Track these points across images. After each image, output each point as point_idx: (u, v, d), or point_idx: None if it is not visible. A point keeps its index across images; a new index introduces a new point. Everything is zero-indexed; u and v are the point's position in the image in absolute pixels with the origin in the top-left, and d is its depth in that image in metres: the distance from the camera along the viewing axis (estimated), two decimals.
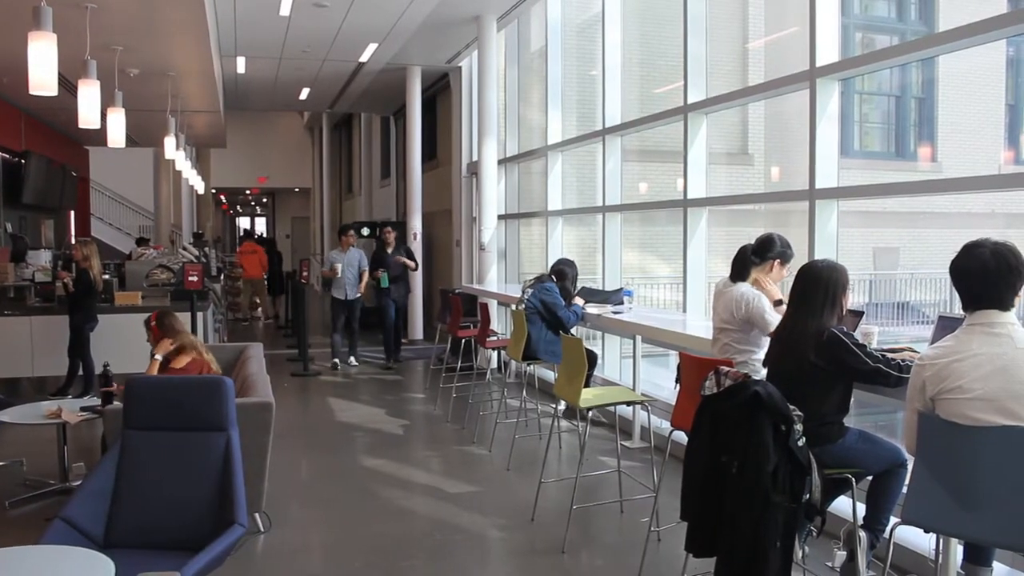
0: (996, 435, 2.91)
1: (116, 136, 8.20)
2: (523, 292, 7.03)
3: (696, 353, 4.78)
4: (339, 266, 10.70)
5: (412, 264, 11.34)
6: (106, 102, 7.63)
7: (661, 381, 7.84)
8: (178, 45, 9.05)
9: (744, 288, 4.55)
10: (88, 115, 6.94)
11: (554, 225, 10.23)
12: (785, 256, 4.61)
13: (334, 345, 11.11)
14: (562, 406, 7.21)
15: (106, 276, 9.42)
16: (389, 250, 11.05)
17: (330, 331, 11.32)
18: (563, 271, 7.01)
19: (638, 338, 6.83)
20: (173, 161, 13.10)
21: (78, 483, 4.93)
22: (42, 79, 5.51)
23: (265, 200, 38.40)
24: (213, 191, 28.92)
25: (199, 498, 3.70)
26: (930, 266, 15.52)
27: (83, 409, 5.64)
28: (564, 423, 7.37)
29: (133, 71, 9.59)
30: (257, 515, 4.94)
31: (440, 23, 10.77)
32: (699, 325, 6.28)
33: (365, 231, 15.00)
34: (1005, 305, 3.02)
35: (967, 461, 2.96)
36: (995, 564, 3.67)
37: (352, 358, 11.23)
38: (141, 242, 17.00)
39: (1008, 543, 3.01)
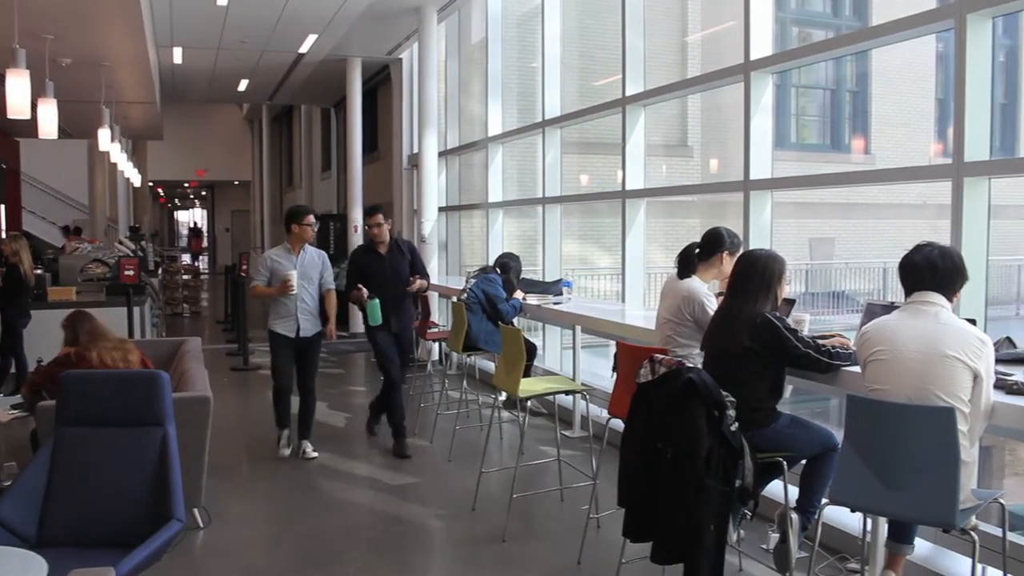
0: (916, 414, 3.04)
1: (47, 127, 8.03)
2: (466, 283, 7.07)
3: (632, 342, 4.85)
4: (293, 274, 6.15)
5: (424, 283, 6.83)
6: (36, 92, 7.46)
7: (602, 371, 7.92)
8: (111, 34, 8.88)
9: (695, 285, 4.51)
10: (17, 105, 6.77)
11: (495, 217, 10.26)
12: (734, 247, 4.55)
13: (280, 417, 6.53)
14: (503, 397, 7.24)
15: (38, 271, 9.23)
16: (382, 250, 6.62)
17: (272, 392, 6.55)
18: (507, 264, 7.12)
19: (578, 328, 6.90)
20: (108, 153, 12.86)
21: (9, 483, 4.84)
22: None
23: (204, 193, 37.87)
24: (150, 184, 28.44)
25: (135, 494, 3.66)
26: (865, 256, 15.88)
27: (14, 407, 5.53)
28: (505, 414, 7.42)
29: (65, 60, 9.39)
30: (196, 510, 4.89)
31: (380, 14, 10.71)
32: (638, 315, 6.37)
33: None
34: (945, 296, 3.23)
35: (890, 441, 3.08)
36: (919, 541, 3.79)
37: (308, 446, 6.46)
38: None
39: (928, 519, 3.14)
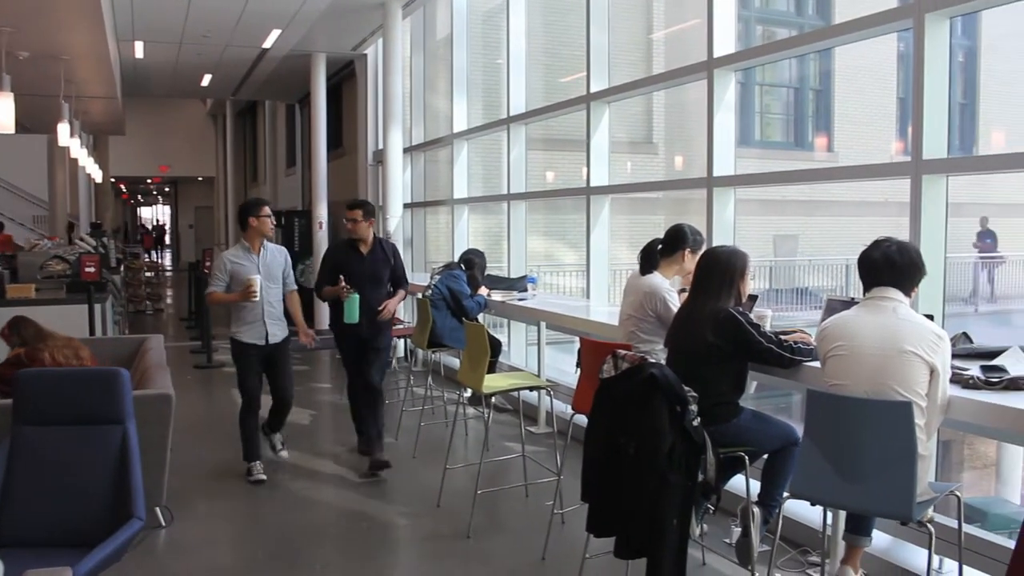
0: (874, 409, 3.09)
1: (5, 122, 7.89)
2: (431, 279, 7.07)
3: (596, 337, 4.87)
4: (257, 279, 5.61)
5: (401, 294, 6.30)
6: None
7: (568, 367, 7.95)
8: (71, 27, 8.74)
9: (657, 281, 4.56)
10: None
11: (460, 213, 10.25)
12: (696, 244, 4.62)
13: (248, 438, 5.88)
14: (468, 393, 7.25)
15: None
16: (364, 250, 6.09)
17: (240, 412, 5.91)
18: (472, 260, 7.17)
19: (542, 324, 6.91)
20: (68, 148, 12.68)
21: None
22: None
23: (167, 189, 37.50)
24: (112, 180, 28.10)
25: (95, 493, 3.62)
26: (828, 252, 16.07)
27: None
28: (470, 410, 7.42)
29: (22, 54, 9.24)
30: (158, 509, 4.85)
31: (344, 9, 10.65)
32: (602, 311, 6.40)
33: None
34: (902, 291, 3.28)
35: (849, 435, 3.12)
36: (877, 533, 3.85)
37: (278, 441, 6.33)
38: None
39: (886, 512, 3.18)
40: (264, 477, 5.76)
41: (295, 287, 6.02)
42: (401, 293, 6.27)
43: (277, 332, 5.83)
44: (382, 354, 6.22)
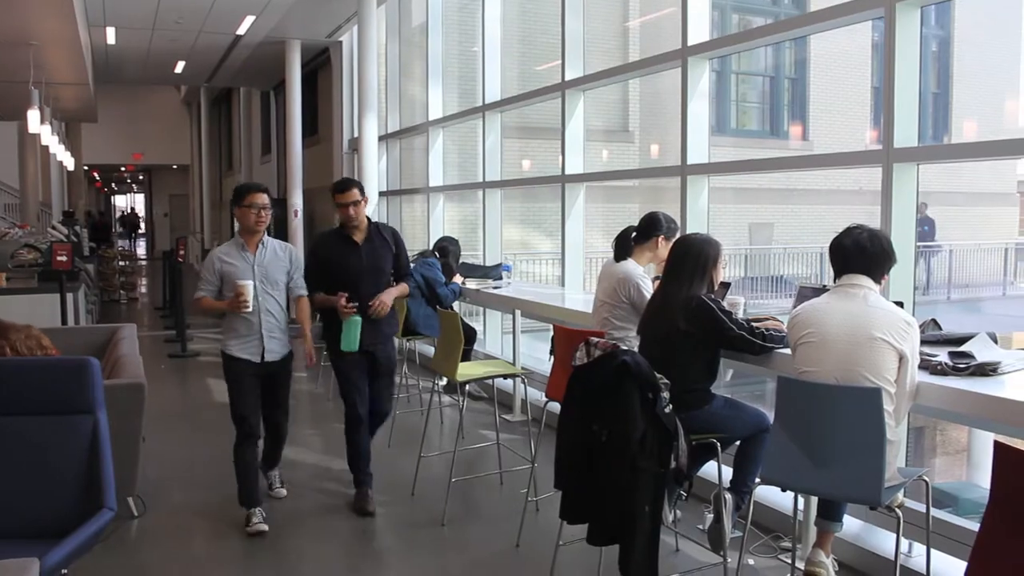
0: (843, 395, 3.11)
1: None
2: None
3: (570, 325, 4.88)
4: (248, 286, 4.56)
5: (403, 287, 5.19)
6: None
7: (543, 355, 7.96)
8: (39, 12, 8.63)
9: (630, 267, 4.59)
10: None
11: (435, 201, 10.23)
12: (670, 231, 4.64)
13: (243, 476, 4.74)
14: (443, 381, 7.24)
15: None
16: (358, 239, 4.94)
17: (234, 445, 4.74)
18: (446, 248, 7.16)
19: (518, 312, 6.92)
20: (39, 136, 12.54)
21: None
22: None
23: (141, 177, 37.20)
24: (85, 168, 27.83)
25: (64, 484, 3.58)
26: (803, 241, 16.17)
27: None
28: (446, 398, 7.41)
29: None
30: (130, 499, 4.81)
31: None
32: (577, 299, 6.41)
33: None
34: (873, 278, 3.31)
35: (818, 421, 3.15)
36: (848, 519, 3.88)
37: (276, 479, 5.25)
38: None
39: (855, 497, 3.21)
40: (265, 528, 4.67)
41: (304, 291, 4.87)
42: (403, 286, 5.18)
43: (276, 348, 4.75)
44: (393, 373, 5.26)
